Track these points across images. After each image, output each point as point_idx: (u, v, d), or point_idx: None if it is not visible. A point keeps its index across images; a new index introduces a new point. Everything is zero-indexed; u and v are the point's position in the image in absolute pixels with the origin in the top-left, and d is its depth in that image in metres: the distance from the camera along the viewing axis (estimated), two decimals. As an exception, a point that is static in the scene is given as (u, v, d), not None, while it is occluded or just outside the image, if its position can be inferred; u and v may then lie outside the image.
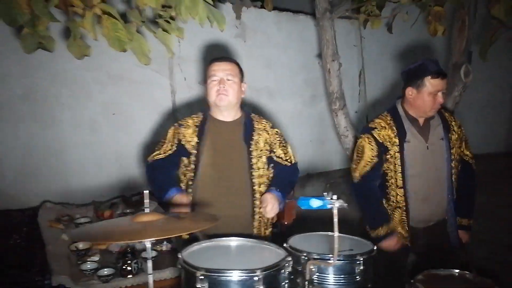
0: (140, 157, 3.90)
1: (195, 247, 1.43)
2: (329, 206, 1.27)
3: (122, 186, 4.10)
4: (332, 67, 2.85)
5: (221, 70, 1.88)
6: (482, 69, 5.83)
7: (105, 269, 2.33)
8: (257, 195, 1.88)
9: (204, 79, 1.98)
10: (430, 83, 1.90)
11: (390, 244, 1.96)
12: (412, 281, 1.81)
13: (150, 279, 1.25)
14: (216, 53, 3.08)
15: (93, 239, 1.70)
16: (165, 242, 2.78)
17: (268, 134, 1.96)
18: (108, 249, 2.67)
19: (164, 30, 1.97)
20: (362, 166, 2.03)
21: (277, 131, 2.01)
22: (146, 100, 4.24)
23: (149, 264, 1.26)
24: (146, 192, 1.29)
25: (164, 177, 1.89)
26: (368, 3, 2.78)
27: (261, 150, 1.92)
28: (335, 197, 1.27)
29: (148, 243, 1.24)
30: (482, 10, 2.72)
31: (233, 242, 1.51)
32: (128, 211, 3.34)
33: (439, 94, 1.92)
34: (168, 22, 1.94)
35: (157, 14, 1.95)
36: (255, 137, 1.92)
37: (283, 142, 2.01)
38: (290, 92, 4.15)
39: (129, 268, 2.35)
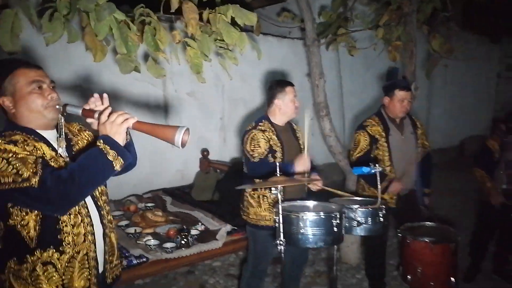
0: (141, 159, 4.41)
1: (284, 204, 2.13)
2: (373, 171, 2.10)
3: (131, 185, 4.55)
4: (320, 83, 3.70)
5: None
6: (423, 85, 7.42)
7: (168, 243, 2.90)
8: None
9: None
10: (399, 94, 2.83)
11: (396, 187, 2.78)
12: (398, 230, 2.70)
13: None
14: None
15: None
16: (199, 224, 3.39)
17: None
18: (155, 231, 3.21)
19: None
20: (357, 152, 2.89)
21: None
22: (142, 109, 4.78)
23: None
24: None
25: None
26: (346, 37, 3.74)
27: None
28: (377, 166, 2.10)
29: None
30: (425, 44, 3.79)
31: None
32: (149, 204, 3.86)
33: (406, 101, 2.85)
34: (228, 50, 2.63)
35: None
36: None
37: None
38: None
39: (185, 241, 2.94)
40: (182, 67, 4.47)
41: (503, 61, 10.64)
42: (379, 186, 2.19)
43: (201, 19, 2.55)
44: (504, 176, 3.26)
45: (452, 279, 2.53)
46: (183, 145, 1.30)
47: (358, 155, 2.88)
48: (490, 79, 10.71)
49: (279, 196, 1.94)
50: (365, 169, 2.21)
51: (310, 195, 2.66)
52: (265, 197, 2.51)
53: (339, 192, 2.62)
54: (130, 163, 1.63)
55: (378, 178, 2.17)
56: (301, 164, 2.38)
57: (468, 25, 9.45)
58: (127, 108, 4.05)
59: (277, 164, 2.06)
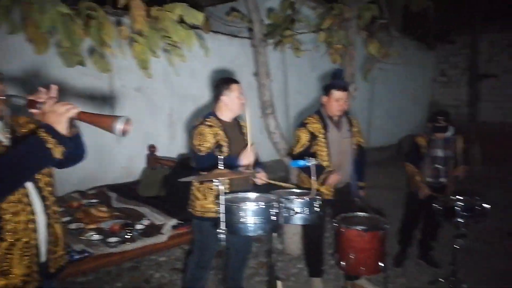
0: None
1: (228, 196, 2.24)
2: (308, 164, 2.27)
3: (74, 182, 4.44)
4: (266, 83, 3.86)
5: None
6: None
7: (111, 238, 2.90)
8: None
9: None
10: (336, 94, 3.04)
11: (333, 180, 3.00)
12: (334, 220, 2.91)
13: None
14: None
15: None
16: (145, 219, 3.41)
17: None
18: (99, 227, 3.19)
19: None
20: (298, 148, 3.07)
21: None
22: (88, 103, 4.68)
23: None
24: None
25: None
26: (292, 39, 3.93)
27: None
28: (312, 159, 2.27)
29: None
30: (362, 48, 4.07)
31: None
32: (93, 201, 3.81)
33: (342, 101, 3.07)
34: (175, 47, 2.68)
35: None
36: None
37: None
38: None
39: (129, 235, 2.96)
40: (130, 62, 4.44)
41: (437, 67, 11.52)
42: (314, 178, 2.38)
43: (150, 15, 2.59)
44: (429, 171, 3.61)
45: (381, 264, 2.79)
46: (123, 134, 1.36)
47: (299, 150, 3.07)
48: (426, 82, 11.55)
49: (222, 188, 2.05)
50: (302, 162, 2.39)
51: (256, 188, 2.79)
52: (211, 190, 2.61)
53: (282, 184, 2.78)
54: (78, 154, 1.66)
55: (314, 170, 2.35)
56: (245, 158, 2.50)
57: (407, 31, 10.14)
58: (72, 102, 3.96)
59: (221, 157, 2.16)
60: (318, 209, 2.43)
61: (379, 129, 9.70)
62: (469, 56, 9.12)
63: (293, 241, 4.04)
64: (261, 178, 2.76)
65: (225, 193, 2.14)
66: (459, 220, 3.10)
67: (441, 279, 3.36)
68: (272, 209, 2.09)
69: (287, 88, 6.82)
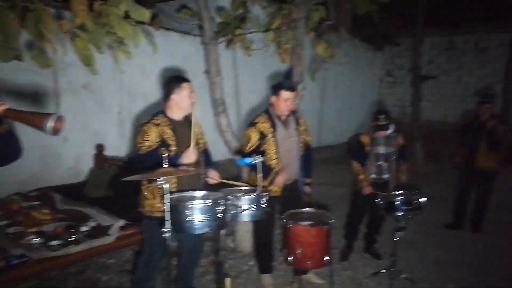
0: (29, 156, 4.11)
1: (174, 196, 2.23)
2: (254, 162, 2.31)
3: (17, 184, 4.20)
4: (217, 81, 3.86)
5: None
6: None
7: (54, 241, 2.78)
8: None
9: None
10: (284, 94, 3.11)
11: (280, 179, 3.07)
12: (282, 217, 2.99)
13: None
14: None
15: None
16: (91, 220, 3.31)
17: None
18: (41, 230, 3.05)
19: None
20: (249, 147, 3.11)
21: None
22: (28, 101, 4.44)
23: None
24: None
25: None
26: (242, 37, 3.95)
27: None
28: (258, 156, 2.31)
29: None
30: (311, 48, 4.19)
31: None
32: (35, 203, 3.64)
33: (290, 101, 3.15)
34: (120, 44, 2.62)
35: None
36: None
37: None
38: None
39: (73, 238, 2.86)
40: (77, 58, 4.29)
41: (384, 67, 12.08)
42: (260, 175, 2.42)
43: (93, 10, 2.51)
44: (373, 168, 3.80)
45: (327, 257, 2.90)
46: (55, 132, 1.31)
47: (249, 149, 3.11)
48: (374, 82, 12.09)
49: (166, 187, 2.04)
50: (248, 160, 2.44)
51: (209, 187, 2.80)
52: (159, 189, 2.57)
53: (233, 183, 2.81)
54: (11, 153, 1.58)
55: (260, 167, 2.40)
56: (187, 157, 2.50)
57: (356, 33, 10.54)
58: (9, 100, 3.74)
59: (165, 156, 2.14)
60: (264, 205, 2.48)
61: (329, 127, 10.02)
62: (413, 58, 9.61)
63: (244, 239, 4.08)
64: (213, 177, 2.78)
65: (173, 192, 2.13)
66: (398, 214, 3.30)
67: (383, 270, 3.54)
68: (219, 207, 2.11)
69: (239, 86, 6.87)
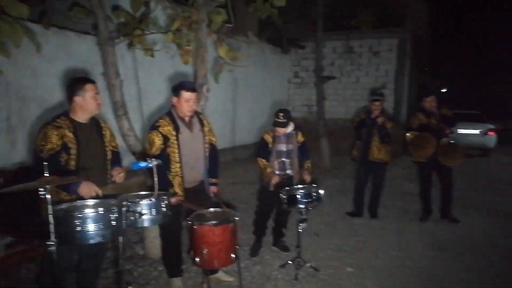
0: None
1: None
2: (150, 165, 2.26)
3: None
4: (116, 83, 3.70)
5: None
6: (212, 87, 8.03)
7: None
8: None
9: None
10: (185, 94, 3.10)
11: (173, 201, 3.01)
12: (188, 219, 2.97)
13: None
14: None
15: None
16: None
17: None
18: None
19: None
20: (153, 151, 3.03)
21: None
22: None
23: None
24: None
25: None
26: (142, 38, 3.83)
27: None
28: (154, 160, 2.26)
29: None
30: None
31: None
32: None
33: (191, 102, 3.14)
34: None
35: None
36: None
37: None
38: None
39: None
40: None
41: (292, 69, 12.68)
42: (155, 179, 2.38)
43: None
44: (277, 164, 3.96)
45: (233, 255, 2.95)
46: None
47: (155, 154, 3.02)
48: (283, 84, 12.62)
49: (49, 197, 1.90)
50: (143, 164, 2.38)
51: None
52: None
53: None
54: None
55: (155, 171, 2.35)
56: (85, 190, 2.38)
57: (263, 36, 10.91)
58: None
59: (45, 163, 1.99)
60: (165, 209, 2.44)
61: (243, 128, 10.22)
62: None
63: (154, 245, 3.96)
64: (118, 175, 2.71)
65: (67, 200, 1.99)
66: (300, 206, 3.50)
67: (289, 262, 3.72)
68: (112, 214, 2.02)
69: (141, 88, 6.63)
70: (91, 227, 1.96)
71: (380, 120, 4.99)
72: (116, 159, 2.84)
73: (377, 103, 5.06)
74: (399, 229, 4.90)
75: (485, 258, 4.04)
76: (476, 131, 11.23)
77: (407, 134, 5.06)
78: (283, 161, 3.95)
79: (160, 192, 2.42)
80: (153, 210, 2.36)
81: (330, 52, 11.96)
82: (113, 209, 2.03)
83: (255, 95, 10.73)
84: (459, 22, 29.71)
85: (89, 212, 1.98)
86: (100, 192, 2.37)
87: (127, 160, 3.75)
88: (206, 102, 4.06)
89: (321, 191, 3.58)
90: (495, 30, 27.10)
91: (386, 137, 5.09)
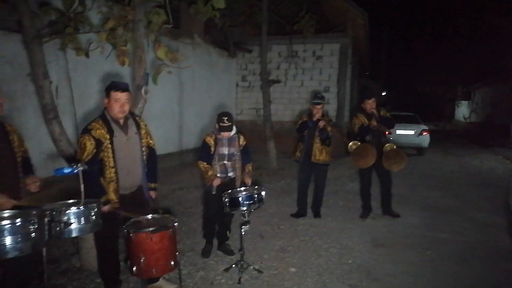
0: None
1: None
2: (76, 171, 2.12)
3: None
4: (44, 84, 3.46)
5: None
6: (158, 90, 7.78)
7: None
8: None
9: None
10: (114, 95, 2.97)
11: (106, 208, 2.88)
12: (123, 227, 2.85)
13: None
14: None
15: None
16: None
17: None
18: None
19: None
20: (85, 156, 2.87)
21: None
22: None
23: None
24: None
25: None
26: (73, 37, 3.62)
27: None
28: (79, 165, 2.13)
29: None
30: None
31: None
32: None
33: (122, 102, 2.99)
34: None
35: None
36: None
37: None
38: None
39: None
40: None
41: (239, 73, 12.72)
42: (82, 186, 2.25)
43: None
44: (218, 167, 3.92)
45: (173, 262, 2.87)
46: None
47: (87, 159, 2.86)
48: (231, 87, 12.61)
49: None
50: (67, 169, 2.23)
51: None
52: None
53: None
54: None
55: (81, 177, 2.22)
56: None
57: (210, 39, 10.84)
58: None
59: None
60: (94, 217, 2.31)
61: (190, 132, 10.05)
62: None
63: (91, 256, 3.74)
64: (32, 185, 2.51)
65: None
66: (242, 209, 3.48)
67: (233, 265, 3.69)
68: (32, 226, 1.87)
69: (75, 90, 6.25)
70: (7, 240, 1.79)
71: (321, 124, 5.13)
72: (28, 166, 2.64)
73: (318, 106, 5.18)
74: (340, 227, 5.05)
75: (416, 251, 4.28)
76: (412, 132, 11.94)
77: (349, 144, 5.21)
78: (224, 164, 3.92)
79: (89, 199, 2.27)
80: (82, 219, 2.22)
81: (276, 56, 12.15)
82: (32, 220, 1.88)
83: (202, 98, 10.61)
84: (394, 28, 31.59)
85: (4, 224, 1.81)
86: (12, 204, 2.18)
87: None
88: (145, 104, 3.94)
89: (263, 193, 3.59)
90: (427, 36, 29.13)
91: (327, 140, 5.25)
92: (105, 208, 2.86)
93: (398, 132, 11.23)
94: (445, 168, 10.28)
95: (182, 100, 9.72)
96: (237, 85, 12.80)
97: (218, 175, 3.90)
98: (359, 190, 5.88)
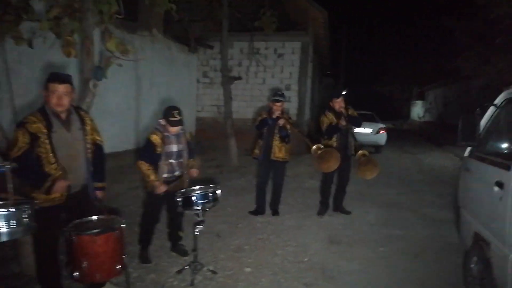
0: None
1: None
2: (3, 170, 1.92)
3: None
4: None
5: None
6: (113, 84, 7.41)
7: None
8: None
9: None
10: (51, 86, 2.74)
11: (60, 187, 2.70)
12: (65, 229, 2.65)
13: None
14: None
15: None
16: None
17: None
18: None
19: None
20: (15, 151, 2.63)
21: None
22: None
23: None
24: None
25: None
26: (12, 26, 3.34)
27: None
28: (7, 163, 1.93)
29: None
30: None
31: None
32: None
33: (59, 94, 2.74)
34: None
35: None
36: None
37: None
38: None
39: None
40: None
41: (200, 69, 12.50)
42: (10, 186, 2.05)
43: None
44: (166, 166, 3.70)
45: (119, 266, 2.70)
46: None
47: (16, 154, 2.62)
48: (192, 83, 12.36)
49: None
50: (-8, 168, 2.03)
51: None
52: None
53: None
54: None
55: (10, 177, 2.02)
56: None
57: (169, 33, 10.54)
58: None
59: None
60: (27, 220, 2.11)
61: (148, 128, 9.69)
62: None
63: (31, 260, 3.48)
64: None
65: None
66: (196, 208, 3.36)
67: (186, 267, 3.55)
68: None
69: (15, 82, 5.79)
70: None
71: (280, 122, 5.09)
72: None
73: (278, 103, 5.14)
74: (298, 225, 5.05)
75: (371, 247, 4.34)
76: (369, 130, 12.26)
77: (313, 147, 5.11)
78: (171, 162, 3.71)
79: (19, 199, 2.07)
80: (12, 222, 2.02)
81: (238, 53, 12.04)
82: None
83: (161, 94, 10.29)
84: (354, 29, 32.46)
85: None
86: None
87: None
88: (93, 98, 3.72)
89: (218, 191, 3.48)
90: (385, 38, 30.17)
91: (287, 138, 5.22)
92: (57, 187, 2.69)
93: (356, 130, 11.43)
94: (401, 165, 10.63)
95: (139, 95, 9.39)
96: (198, 81, 12.57)
97: (165, 175, 3.66)
98: (320, 186, 5.91)
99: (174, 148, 3.69)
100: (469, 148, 3.53)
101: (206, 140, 12.06)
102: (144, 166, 3.59)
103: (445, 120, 24.89)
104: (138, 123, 9.45)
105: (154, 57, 9.68)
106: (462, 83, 20.61)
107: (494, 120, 3.29)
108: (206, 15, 10.52)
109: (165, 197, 3.62)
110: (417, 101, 35.54)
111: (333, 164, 5.01)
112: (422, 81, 31.95)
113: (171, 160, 3.70)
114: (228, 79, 9.33)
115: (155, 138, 3.64)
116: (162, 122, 3.69)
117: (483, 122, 3.36)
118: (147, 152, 3.64)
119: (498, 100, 3.28)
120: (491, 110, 3.36)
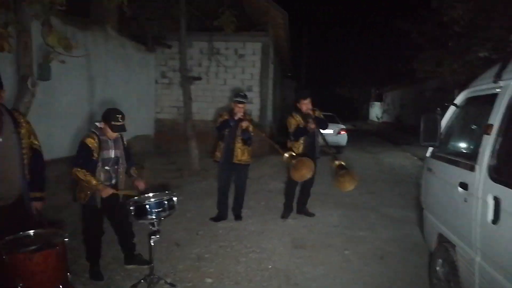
0: None
1: None
2: None
3: None
4: None
5: None
6: (63, 85, 6.95)
7: None
8: None
9: None
10: None
11: None
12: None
13: None
14: None
15: None
16: None
17: None
18: None
19: None
20: None
21: None
22: None
23: None
24: None
25: None
26: None
27: None
28: None
29: None
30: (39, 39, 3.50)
31: None
32: None
33: None
34: None
35: None
36: None
37: None
38: None
39: None
40: None
41: (158, 69, 12.06)
42: None
43: None
44: (103, 174, 3.35)
45: (61, 286, 2.40)
46: None
47: None
48: (150, 84, 11.89)
49: None
50: None
51: None
52: None
53: None
54: None
55: None
56: None
57: (125, 31, 10.06)
58: None
59: None
60: None
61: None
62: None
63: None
64: None
65: None
66: (151, 217, 3.09)
67: (142, 280, 3.27)
68: None
69: None
70: None
71: (244, 124, 4.89)
72: None
73: (241, 105, 4.93)
74: (261, 229, 4.87)
75: (336, 250, 4.25)
76: (331, 131, 12.35)
77: (285, 155, 4.87)
78: (107, 169, 3.37)
79: None
80: None
81: (197, 53, 11.74)
82: None
83: (117, 95, 9.78)
84: (314, 31, 33.03)
85: None
86: None
87: None
88: (33, 98, 3.35)
89: (175, 199, 3.23)
90: (343, 41, 30.90)
91: (249, 140, 5.04)
92: None
93: (318, 131, 11.50)
94: (362, 165, 10.75)
95: (93, 96, 8.87)
96: (156, 82, 12.13)
97: (105, 183, 3.35)
98: (284, 188, 5.77)
99: (111, 154, 3.37)
100: (430, 148, 3.51)
101: (166, 142, 11.65)
102: (81, 173, 3.19)
103: (402, 120, 25.80)
104: (91, 127, 8.92)
105: (108, 55, 9.19)
106: (417, 84, 21.42)
107: (455, 119, 3.27)
108: (163, 13, 10.13)
109: (104, 206, 3.29)
110: (375, 103, 36.69)
111: (306, 173, 4.86)
112: (380, 83, 33.03)
113: (107, 168, 3.37)
114: (187, 79, 9.02)
115: (91, 142, 3.27)
116: (101, 125, 3.36)
117: (444, 122, 3.34)
118: (82, 157, 3.25)
119: (458, 100, 3.27)
120: (451, 110, 3.34)
